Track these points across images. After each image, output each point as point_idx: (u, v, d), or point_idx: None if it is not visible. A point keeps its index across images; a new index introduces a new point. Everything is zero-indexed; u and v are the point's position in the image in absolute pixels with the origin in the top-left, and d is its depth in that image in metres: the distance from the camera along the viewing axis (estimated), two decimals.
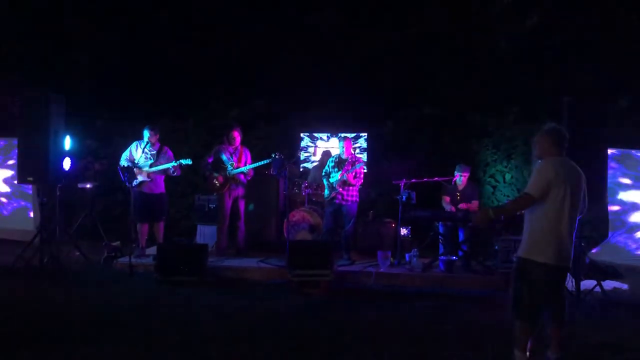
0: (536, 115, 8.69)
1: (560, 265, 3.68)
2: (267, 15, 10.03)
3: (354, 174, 7.23)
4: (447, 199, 7.43)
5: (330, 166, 7.51)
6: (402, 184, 7.21)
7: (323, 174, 7.58)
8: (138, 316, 5.12)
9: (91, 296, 5.84)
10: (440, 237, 7.26)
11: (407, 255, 7.03)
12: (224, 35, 10.17)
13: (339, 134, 8.47)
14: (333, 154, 7.75)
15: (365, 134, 9.11)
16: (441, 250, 7.19)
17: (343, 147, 7.40)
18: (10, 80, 9.54)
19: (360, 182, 7.37)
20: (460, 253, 7.01)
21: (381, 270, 6.80)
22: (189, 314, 5.27)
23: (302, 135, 9.28)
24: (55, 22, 10.02)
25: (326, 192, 7.47)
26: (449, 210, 7.29)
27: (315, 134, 9.30)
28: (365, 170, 7.32)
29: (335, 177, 7.32)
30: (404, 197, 7.09)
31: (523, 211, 3.88)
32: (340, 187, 7.25)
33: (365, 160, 8.77)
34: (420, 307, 5.59)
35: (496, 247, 7.02)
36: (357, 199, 7.41)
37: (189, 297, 5.86)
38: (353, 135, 8.93)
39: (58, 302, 5.57)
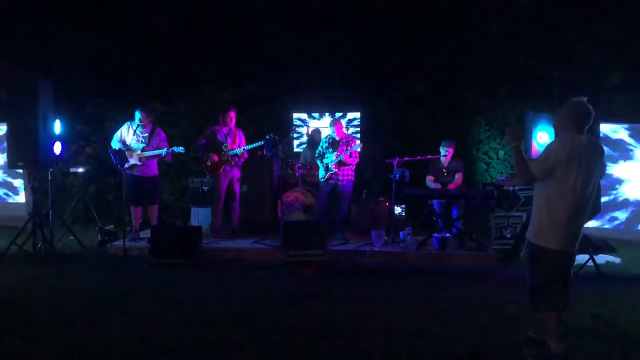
0: (529, 91, 8.69)
1: (573, 251, 3.50)
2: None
3: (349, 154, 7.22)
4: (432, 178, 7.47)
5: (323, 147, 7.49)
6: (395, 162, 7.19)
7: (316, 154, 7.56)
8: (132, 299, 5.11)
9: (85, 280, 5.82)
10: (434, 215, 7.28)
11: (401, 234, 7.05)
12: (214, 16, 10.06)
13: (331, 116, 8.41)
14: (324, 133, 7.72)
15: (358, 113, 9.06)
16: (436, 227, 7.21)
17: (334, 131, 7.37)
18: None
19: (356, 161, 7.37)
20: (454, 230, 7.04)
21: (375, 248, 6.82)
22: (183, 296, 5.26)
23: (294, 115, 9.22)
24: (44, 6, 9.87)
25: (321, 172, 7.46)
26: (434, 188, 7.31)
27: (307, 114, 9.25)
28: (360, 150, 7.28)
29: (330, 157, 7.30)
30: (397, 175, 7.08)
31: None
32: (335, 167, 7.24)
33: (359, 139, 8.72)
34: (414, 285, 5.61)
35: (490, 224, 7.05)
36: (353, 178, 7.41)
37: (183, 279, 5.87)
38: (340, 114, 8.85)
39: (52, 287, 5.55)
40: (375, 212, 7.82)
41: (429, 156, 7.42)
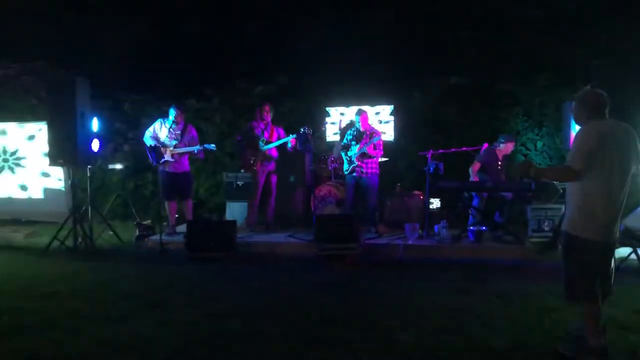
0: (568, 81, 8.43)
1: (610, 241, 3.38)
2: None
3: (372, 146, 7.16)
4: (478, 165, 7.21)
5: (348, 139, 7.46)
6: (429, 155, 7.09)
7: (342, 147, 7.54)
8: (167, 292, 5.20)
9: (123, 274, 5.94)
10: (469, 207, 7.15)
11: (435, 227, 6.96)
12: (246, 11, 10.10)
13: (358, 108, 8.35)
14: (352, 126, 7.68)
15: (392, 106, 8.96)
16: (470, 221, 7.09)
17: (359, 122, 7.33)
18: (38, 65, 9.68)
19: (380, 154, 7.32)
20: (491, 223, 6.90)
21: (409, 242, 6.75)
22: (217, 289, 5.32)
23: (327, 109, 9.19)
24: (81, 5, 10.09)
25: (345, 165, 7.44)
26: (472, 180, 7.16)
27: (341, 107, 9.19)
28: (382, 142, 7.22)
29: (354, 150, 7.27)
30: (431, 168, 6.98)
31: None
32: (359, 160, 7.21)
33: (393, 133, 8.65)
34: (449, 278, 5.54)
35: (527, 217, 6.89)
36: (377, 171, 7.35)
37: (217, 272, 5.93)
38: (372, 107, 8.76)
39: (91, 280, 5.69)
40: (409, 206, 7.74)
41: (464, 148, 7.28)
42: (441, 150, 7.17)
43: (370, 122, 7.69)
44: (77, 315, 4.51)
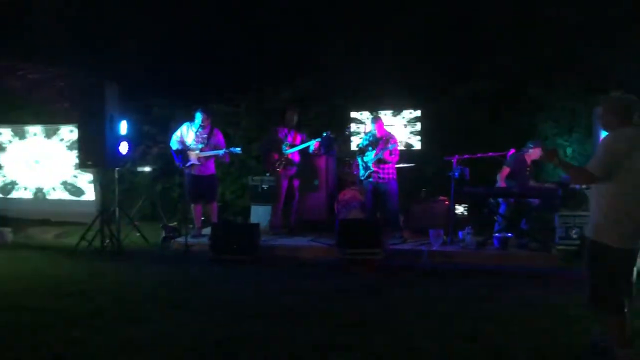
0: (599, 86, 8.24)
1: (635, 247, 3.29)
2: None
3: (388, 152, 7.13)
4: (506, 171, 7.07)
5: (364, 144, 7.43)
6: (454, 160, 7.01)
7: (357, 151, 7.52)
8: (190, 294, 5.24)
9: (148, 275, 6.03)
10: (496, 214, 7.03)
11: (460, 233, 6.87)
12: (273, 15, 10.16)
13: (373, 113, 8.30)
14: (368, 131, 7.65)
15: (419, 111, 8.89)
16: (496, 227, 6.98)
17: (375, 128, 7.30)
18: (71, 69, 9.91)
19: (396, 159, 7.27)
20: (517, 230, 6.78)
21: (434, 248, 6.68)
22: (239, 291, 5.35)
23: (352, 114, 9.17)
24: (110, 9, 10.29)
25: (361, 171, 7.41)
26: (499, 185, 7.04)
27: (366, 112, 9.16)
28: (398, 148, 7.19)
29: (370, 155, 7.24)
30: (456, 173, 6.89)
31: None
32: (375, 165, 7.18)
33: (419, 138, 8.58)
34: (473, 285, 5.46)
35: (555, 224, 6.75)
36: (395, 176, 7.31)
37: (240, 275, 5.98)
38: (398, 112, 8.70)
39: (117, 281, 5.79)
40: (434, 211, 7.65)
41: (490, 153, 7.16)
42: (467, 156, 7.08)
43: (386, 127, 7.66)
44: (100, 314, 4.58)
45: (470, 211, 7.67)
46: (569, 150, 8.55)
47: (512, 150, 7.08)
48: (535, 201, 6.92)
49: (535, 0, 9.18)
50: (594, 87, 8.28)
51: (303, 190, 8.06)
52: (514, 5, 9.34)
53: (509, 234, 6.60)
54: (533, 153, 7.05)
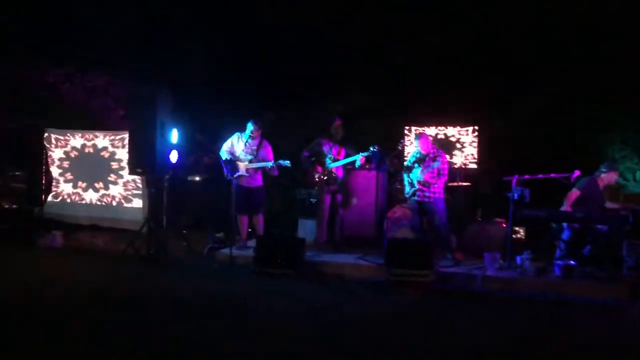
0: None
1: None
2: (370, 8, 9.75)
3: (436, 171, 6.80)
4: (577, 193, 6.56)
5: (411, 161, 7.12)
6: (514, 180, 6.61)
7: (404, 168, 7.22)
8: (231, 307, 5.11)
9: (190, 286, 5.95)
10: (559, 240, 6.57)
11: (518, 258, 6.43)
12: (326, 28, 10.04)
13: (417, 131, 7.98)
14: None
15: (472, 128, 8.52)
16: (557, 253, 6.51)
17: (419, 145, 6.99)
18: (126, 77, 10.07)
19: (444, 179, 6.93)
20: (581, 257, 6.30)
21: (488, 273, 6.28)
22: (280, 308, 5.17)
23: (405, 128, 8.90)
24: (166, 18, 10.41)
25: (407, 188, 7.09)
26: (564, 209, 6.58)
27: (420, 127, 8.87)
28: (447, 166, 6.88)
29: (415, 172, 6.93)
30: (515, 194, 6.49)
31: None
32: (420, 183, 6.86)
33: (475, 155, 8.21)
34: (530, 315, 5.07)
35: (623, 252, 6.23)
36: (441, 195, 6.96)
37: (283, 290, 5.80)
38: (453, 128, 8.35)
39: (159, 291, 5.73)
40: (490, 234, 7.25)
41: (552, 175, 6.73)
42: (527, 176, 6.66)
43: (435, 144, 7.34)
44: (139, 325, 4.48)
45: (529, 235, 7.22)
46: (638, 174, 7.99)
47: (577, 172, 6.60)
48: (604, 227, 6.42)
49: (604, 14, 8.66)
50: None
51: (351, 205, 7.82)
52: (580, 18, 8.87)
53: (572, 262, 6.13)
54: (606, 177, 6.57)
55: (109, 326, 4.40)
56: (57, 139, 9.71)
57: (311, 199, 8.19)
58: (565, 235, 6.57)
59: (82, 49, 9.80)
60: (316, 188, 7.76)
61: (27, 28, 9.98)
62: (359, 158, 7.22)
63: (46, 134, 9.75)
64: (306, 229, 8.24)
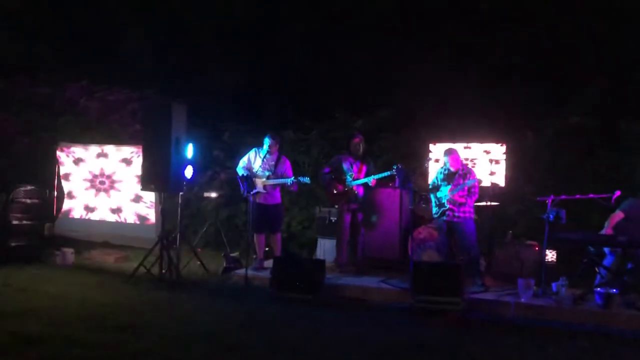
0: None
1: None
2: (393, 23, 9.53)
3: (466, 190, 6.42)
4: (620, 215, 6.13)
5: (438, 178, 6.73)
6: (549, 200, 6.19)
7: (430, 186, 6.84)
8: (244, 335, 4.80)
9: (203, 310, 5.65)
10: (598, 265, 6.12)
11: (553, 285, 5.98)
12: (348, 42, 9.84)
13: (447, 147, 7.62)
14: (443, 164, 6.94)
15: (501, 145, 8.13)
16: (597, 280, 6.06)
17: (449, 161, 6.61)
18: (145, 92, 9.94)
19: (475, 198, 6.54)
20: (623, 285, 5.83)
21: (522, 300, 5.85)
22: (297, 336, 4.82)
23: (430, 146, 8.54)
24: (185, 36, 10.33)
25: (434, 208, 6.69)
26: (605, 232, 6.13)
27: (446, 144, 8.49)
28: (478, 185, 6.50)
29: (444, 191, 6.54)
30: (551, 216, 6.06)
31: None
32: (449, 202, 6.47)
33: (504, 174, 7.80)
34: (567, 348, 4.65)
35: None
36: (472, 215, 6.56)
37: (301, 317, 5.45)
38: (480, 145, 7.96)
39: (170, 314, 5.45)
40: (522, 257, 6.79)
41: (590, 195, 6.30)
42: (563, 196, 6.24)
43: (465, 161, 6.99)
44: (147, 354, 4.17)
45: (566, 260, 6.76)
46: None
47: (618, 193, 6.17)
48: None
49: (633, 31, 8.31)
50: None
51: (374, 225, 7.46)
52: (610, 31, 8.51)
53: (614, 290, 5.68)
54: None
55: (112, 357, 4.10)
56: (70, 153, 9.52)
57: (331, 218, 7.86)
58: (607, 261, 6.12)
59: (100, 64, 9.74)
60: (336, 206, 7.45)
61: (48, 45, 9.96)
62: (370, 181, 7.00)
63: (59, 148, 9.55)
64: (325, 248, 7.91)
